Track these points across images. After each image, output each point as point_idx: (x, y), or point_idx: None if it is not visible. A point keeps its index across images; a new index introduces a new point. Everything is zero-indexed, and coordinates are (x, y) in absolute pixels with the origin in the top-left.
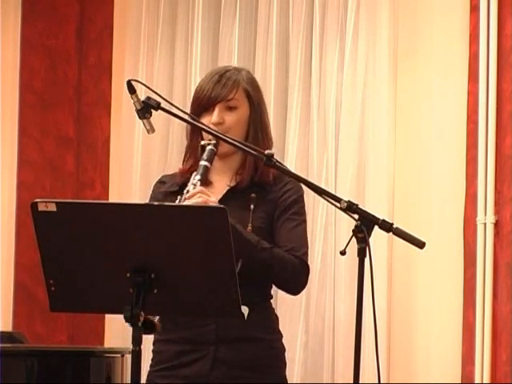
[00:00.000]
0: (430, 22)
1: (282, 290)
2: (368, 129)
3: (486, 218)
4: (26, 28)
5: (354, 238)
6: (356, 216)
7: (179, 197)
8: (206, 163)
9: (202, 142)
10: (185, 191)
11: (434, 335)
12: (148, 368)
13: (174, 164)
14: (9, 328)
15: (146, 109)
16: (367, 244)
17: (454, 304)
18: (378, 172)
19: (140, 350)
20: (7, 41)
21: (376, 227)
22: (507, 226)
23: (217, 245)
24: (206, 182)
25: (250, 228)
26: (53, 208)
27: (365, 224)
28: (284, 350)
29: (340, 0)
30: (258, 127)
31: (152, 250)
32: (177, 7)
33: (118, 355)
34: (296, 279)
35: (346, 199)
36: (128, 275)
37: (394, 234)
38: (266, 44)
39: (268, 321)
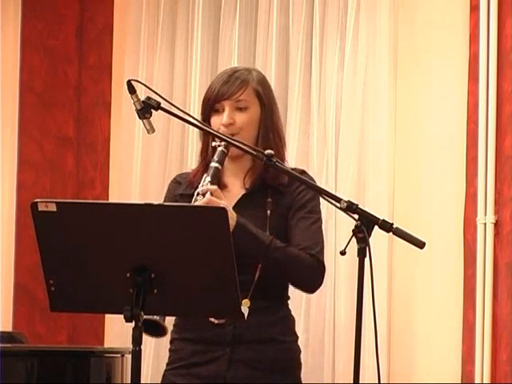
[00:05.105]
0: (429, 22)
1: (298, 288)
2: (368, 129)
3: (486, 217)
4: (26, 28)
5: (353, 238)
6: (356, 216)
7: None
8: (216, 165)
9: (213, 144)
10: (195, 193)
11: (434, 335)
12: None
13: (174, 164)
14: (9, 328)
15: (146, 109)
16: (367, 244)
17: (454, 304)
18: (378, 172)
19: (140, 350)
20: (7, 41)
21: (376, 227)
22: (507, 226)
23: (217, 245)
24: (218, 184)
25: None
26: (53, 208)
27: (365, 224)
28: (300, 351)
29: (340, 0)
30: (268, 128)
31: (152, 250)
32: (177, 7)
33: (118, 355)
34: (311, 277)
35: (346, 199)
36: (128, 275)
37: (393, 234)
38: (266, 44)
39: (285, 322)
